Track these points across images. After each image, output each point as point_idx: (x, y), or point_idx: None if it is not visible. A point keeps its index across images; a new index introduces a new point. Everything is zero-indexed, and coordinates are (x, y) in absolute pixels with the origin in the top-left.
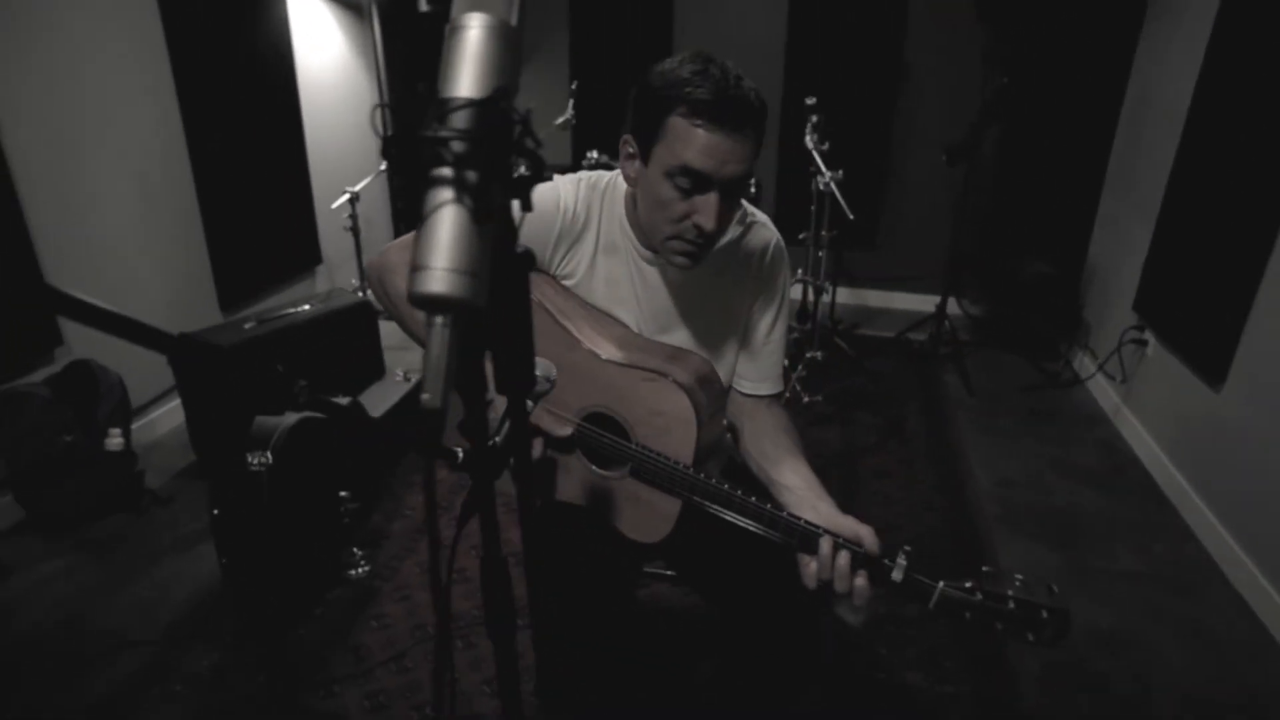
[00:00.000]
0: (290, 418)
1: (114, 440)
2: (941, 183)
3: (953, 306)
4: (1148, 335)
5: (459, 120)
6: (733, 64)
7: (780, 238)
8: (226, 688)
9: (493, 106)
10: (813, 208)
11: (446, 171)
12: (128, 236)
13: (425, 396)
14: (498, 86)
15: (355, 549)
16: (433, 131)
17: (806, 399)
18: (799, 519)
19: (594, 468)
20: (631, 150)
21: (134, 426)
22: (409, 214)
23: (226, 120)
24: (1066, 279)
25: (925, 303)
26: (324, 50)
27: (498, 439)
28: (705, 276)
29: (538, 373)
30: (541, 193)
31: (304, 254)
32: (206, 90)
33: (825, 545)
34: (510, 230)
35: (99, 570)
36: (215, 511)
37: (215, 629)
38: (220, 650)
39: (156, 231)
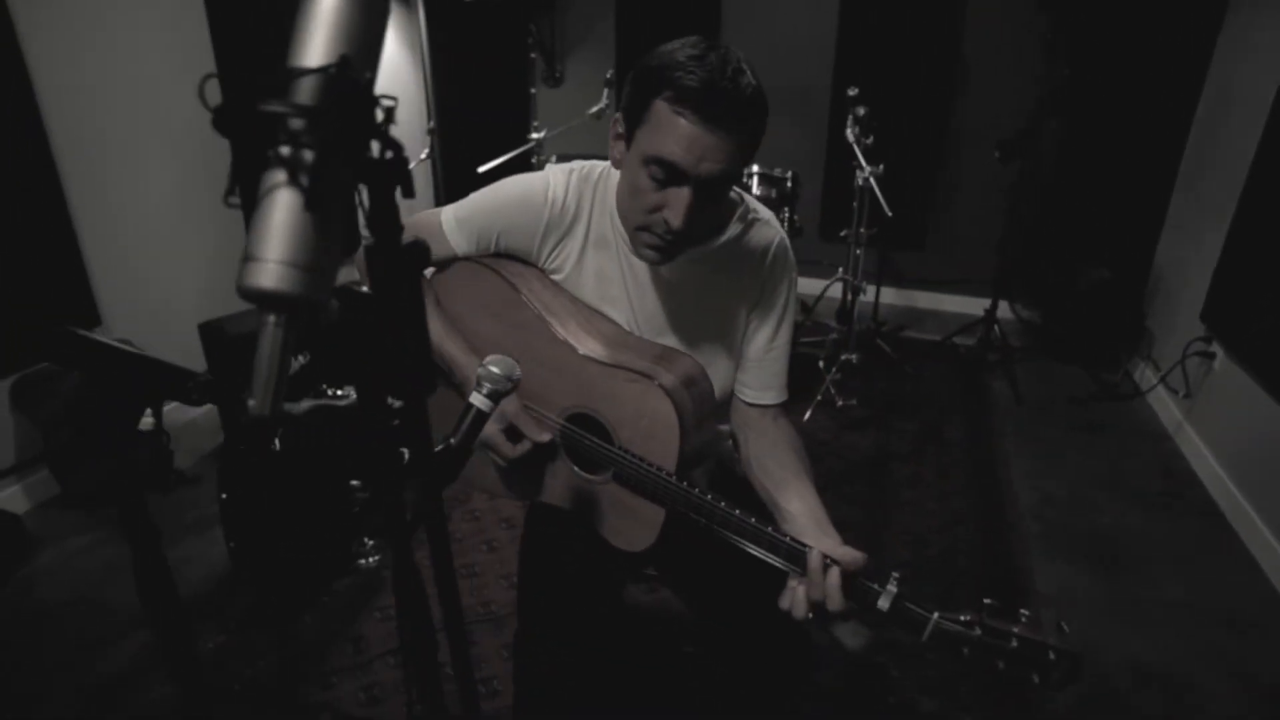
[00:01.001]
0: (302, 405)
1: (145, 419)
2: (996, 181)
3: (1005, 311)
4: (1215, 348)
5: (302, 93)
6: (741, 55)
7: (785, 236)
8: (227, 671)
9: (337, 77)
10: (855, 204)
11: (280, 150)
12: (165, 219)
13: (252, 403)
14: (342, 55)
15: (366, 539)
16: (264, 104)
17: (841, 402)
18: (784, 535)
19: (577, 470)
20: (620, 130)
21: (166, 407)
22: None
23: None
24: (1128, 285)
25: (975, 306)
26: None
27: (452, 440)
28: (701, 275)
29: (497, 371)
30: (529, 182)
31: (341, 240)
32: (248, 75)
33: (800, 589)
34: (394, 219)
35: (121, 547)
36: (224, 495)
37: (222, 612)
38: (225, 633)
39: (193, 215)
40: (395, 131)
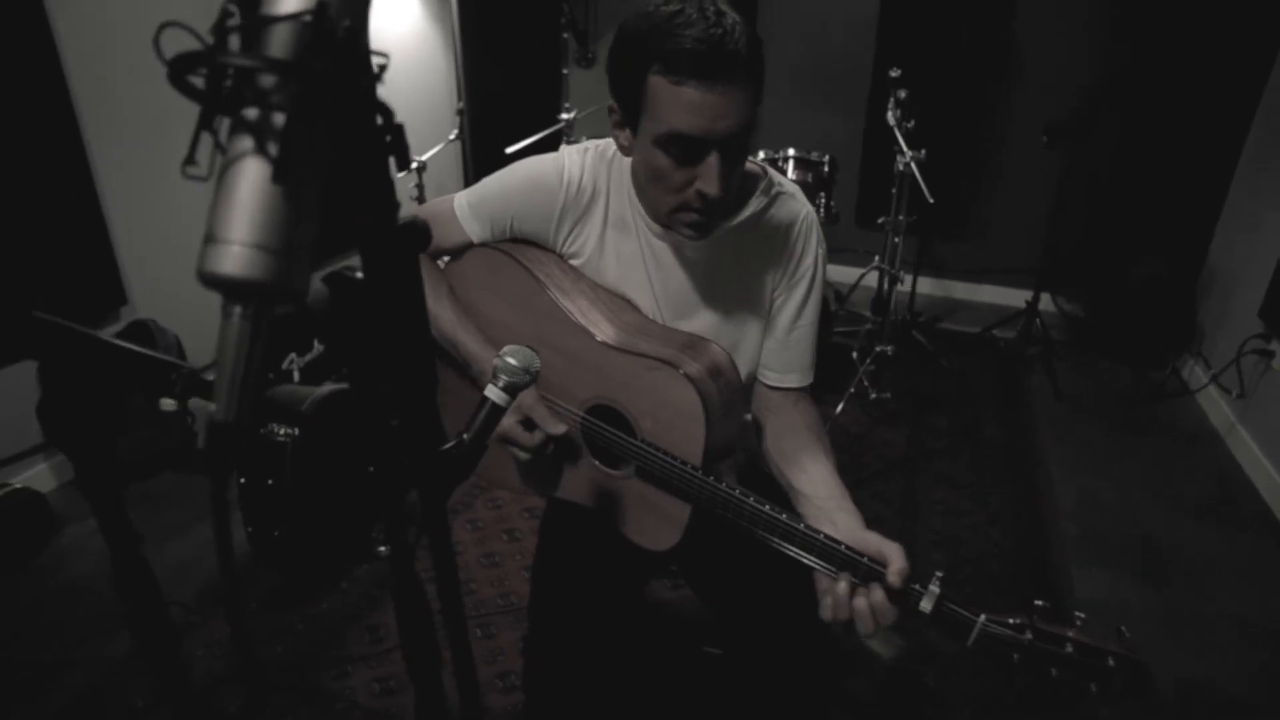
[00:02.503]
0: (323, 389)
1: (168, 400)
2: (1044, 167)
3: (1047, 303)
4: (1275, 346)
5: (272, 45)
6: None
7: (811, 210)
8: (246, 656)
9: (313, 27)
10: (893, 190)
11: (247, 113)
12: (194, 193)
13: (214, 408)
14: (320, 1)
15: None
16: (225, 56)
17: (874, 395)
18: (818, 533)
19: (598, 464)
20: (618, 118)
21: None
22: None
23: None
24: (1181, 279)
25: (1015, 298)
26: (397, 16)
27: (465, 436)
28: (724, 253)
29: (514, 362)
30: (544, 164)
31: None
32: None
33: (842, 583)
34: (389, 196)
35: (144, 527)
36: (241, 481)
37: (241, 597)
38: (246, 618)
39: None
40: (427, 111)
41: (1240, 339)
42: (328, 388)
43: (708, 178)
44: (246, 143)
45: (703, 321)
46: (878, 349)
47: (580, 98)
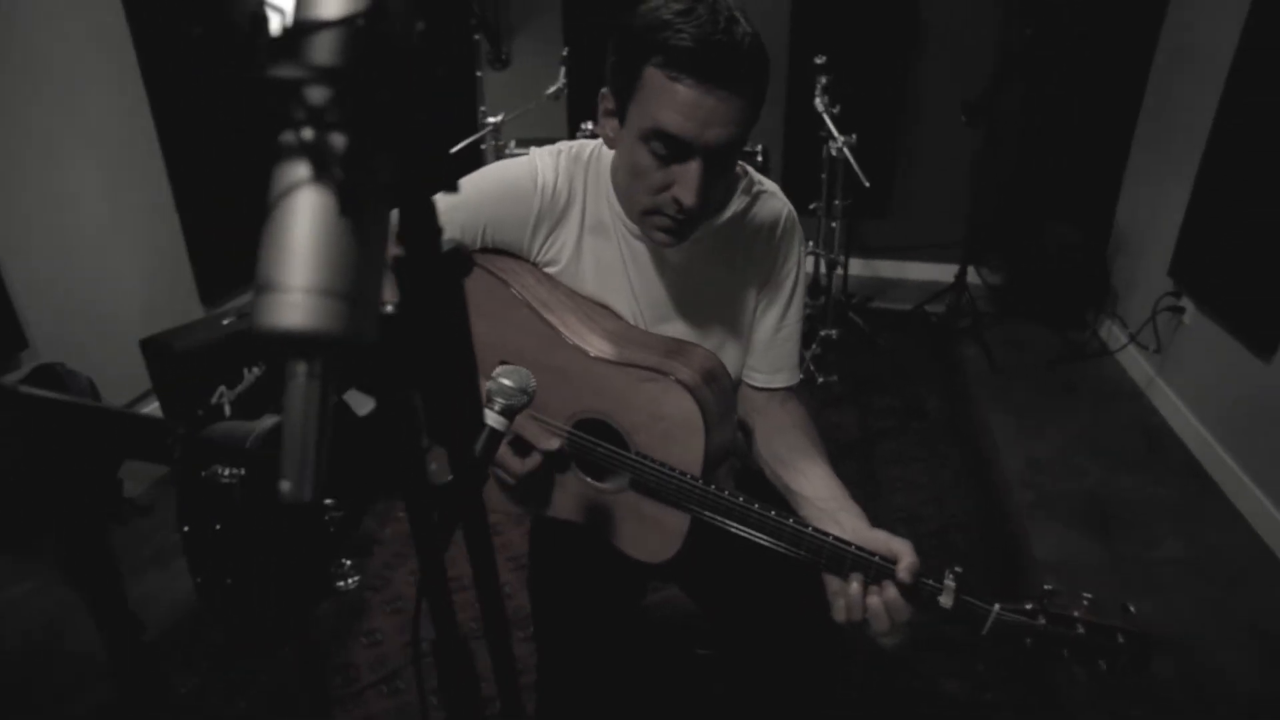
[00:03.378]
0: (265, 422)
1: None
2: (959, 145)
3: (972, 276)
4: (1185, 303)
5: (319, 53)
6: (731, 2)
7: (792, 208)
8: (205, 717)
9: (369, 31)
10: (824, 175)
11: (300, 135)
12: (98, 230)
13: (285, 484)
14: (373, 1)
15: (344, 559)
16: (272, 71)
17: (821, 379)
18: (826, 535)
19: (589, 479)
20: (609, 106)
21: None
22: None
23: (201, 101)
24: (1092, 242)
25: (942, 272)
26: None
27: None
28: (707, 255)
29: (510, 383)
30: (515, 169)
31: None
32: (177, 71)
33: (854, 584)
34: (432, 219)
35: (70, 591)
36: (185, 529)
37: (193, 652)
38: (200, 675)
39: (126, 217)
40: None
41: (1153, 298)
42: (269, 421)
43: (686, 185)
44: (300, 170)
45: (686, 325)
46: (822, 333)
47: (497, 100)
